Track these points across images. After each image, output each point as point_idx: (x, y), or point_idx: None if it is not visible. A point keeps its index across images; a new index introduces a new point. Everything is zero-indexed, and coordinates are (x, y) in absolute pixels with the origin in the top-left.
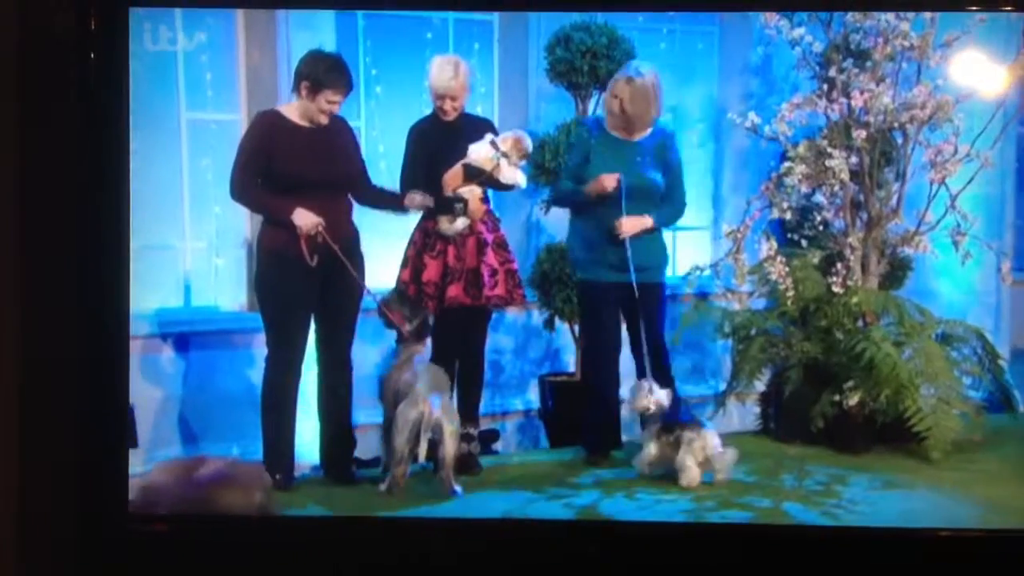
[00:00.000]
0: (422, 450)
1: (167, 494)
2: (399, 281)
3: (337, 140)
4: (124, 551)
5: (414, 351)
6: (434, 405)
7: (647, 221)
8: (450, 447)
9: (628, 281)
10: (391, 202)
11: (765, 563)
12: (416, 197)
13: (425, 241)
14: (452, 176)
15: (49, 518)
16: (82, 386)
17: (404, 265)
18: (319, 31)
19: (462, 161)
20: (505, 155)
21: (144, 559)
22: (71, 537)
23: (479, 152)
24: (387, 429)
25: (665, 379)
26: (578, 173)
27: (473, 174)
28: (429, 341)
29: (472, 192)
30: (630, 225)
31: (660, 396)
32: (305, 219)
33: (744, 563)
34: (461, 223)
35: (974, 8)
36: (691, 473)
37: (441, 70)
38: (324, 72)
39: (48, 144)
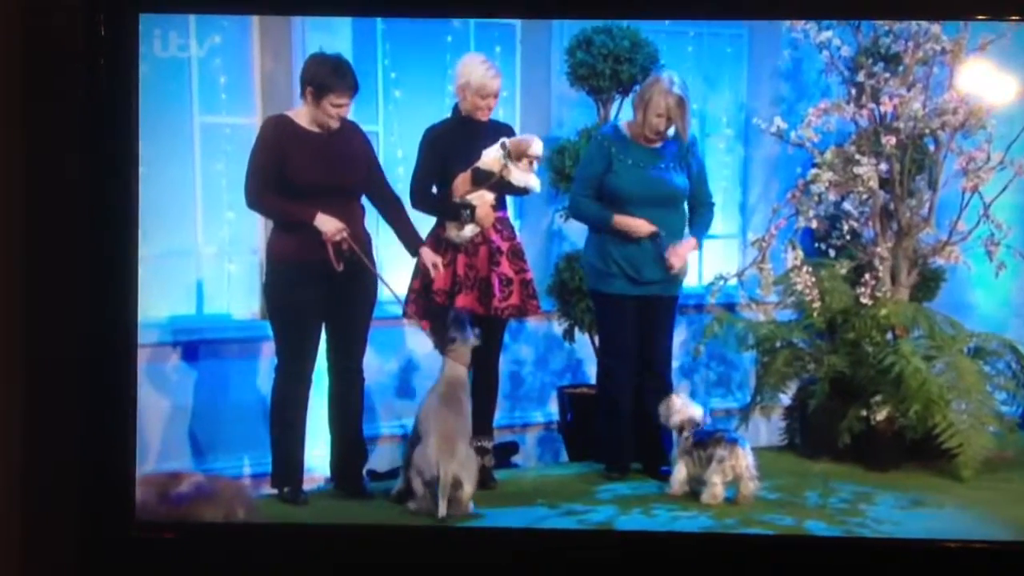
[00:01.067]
0: (442, 507)
1: (145, 510)
2: (410, 289)
3: (348, 145)
4: (129, 559)
5: (448, 374)
6: (448, 466)
7: (692, 243)
8: (468, 490)
9: (649, 294)
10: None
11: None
12: (426, 253)
13: (436, 249)
14: (461, 181)
15: (54, 525)
16: (88, 392)
17: (416, 274)
18: (336, 34)
19: (474, 165)
20: (510, 156)
21: (149, 566)
22: (76, 546)
23: (489, 155)
24: (408, 453)
25: (665, 388)
26: (601, 183)
27: (482, 178)
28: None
29: (482, 198)
30: (681, 258)
31: (693, 411)
32: (329, 224)
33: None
34: (469, 231)
35: (982, 17)
36: (714, 491)
37: (484, 68)
38: (326, 75)
39: (56, 150)
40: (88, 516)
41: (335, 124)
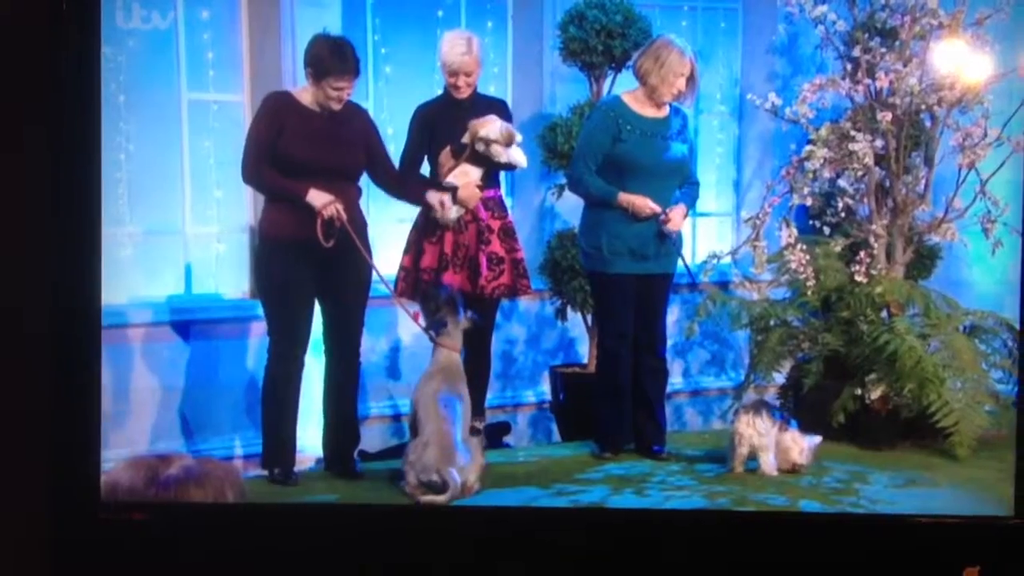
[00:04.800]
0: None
1: (130, 494)
2: (400, 267)
3: (347, 127)
4: (96, 541)
5: (441, 361)
6: (455, 477)
7: (685, 208)
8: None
9: (648, 272)
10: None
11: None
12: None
13: (426, 226)
14: (444, 156)
15: (20, 509)
16: (53, 375)
17: (407, 251)
18: (325, 8)
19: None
20: (495, 141)
21: (117, 549)
22: (42, 527)
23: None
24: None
25: (661, 367)
26: (608, 154)
27: (460, 151)
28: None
29: (466, 177)
30: (679, 220)
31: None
32: (321, 198)
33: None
34: (454, 212)
35: None
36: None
37: (453, 45)
38: (325, 58)
39: (21, 127)
40: (55, 500)
41: (336, 106)
